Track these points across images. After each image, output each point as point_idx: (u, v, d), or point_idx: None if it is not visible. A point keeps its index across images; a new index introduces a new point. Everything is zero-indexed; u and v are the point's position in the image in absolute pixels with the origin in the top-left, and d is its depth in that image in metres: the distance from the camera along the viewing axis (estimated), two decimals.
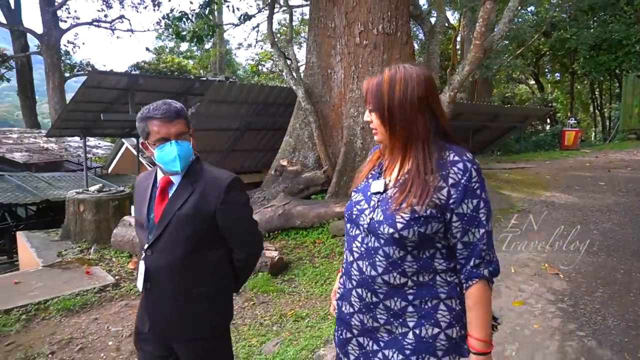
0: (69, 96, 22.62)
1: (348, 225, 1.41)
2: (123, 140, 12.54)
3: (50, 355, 3.26)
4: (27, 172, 13.68)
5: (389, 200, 1.29)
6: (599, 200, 7.11)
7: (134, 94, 7.51)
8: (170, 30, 24.10)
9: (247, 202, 1.83)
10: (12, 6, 22.26)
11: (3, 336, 3.55)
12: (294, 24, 21.56)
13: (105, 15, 23.45)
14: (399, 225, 1.23)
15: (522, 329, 3.16)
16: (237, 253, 1.81)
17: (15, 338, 3.54)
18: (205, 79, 8.75)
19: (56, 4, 22.02)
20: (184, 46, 28.48)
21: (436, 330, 1.28)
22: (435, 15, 11.15)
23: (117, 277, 4.87)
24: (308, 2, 8.42)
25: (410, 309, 1.29)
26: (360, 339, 1.37)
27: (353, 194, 1.44)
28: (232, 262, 1.82)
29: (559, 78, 29.64)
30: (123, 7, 28.28)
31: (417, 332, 1.28)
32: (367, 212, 1.33)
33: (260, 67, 26.30)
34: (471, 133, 15.39)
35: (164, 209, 1.70)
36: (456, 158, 1.26)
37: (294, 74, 7.34)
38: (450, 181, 1.23)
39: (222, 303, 1.81)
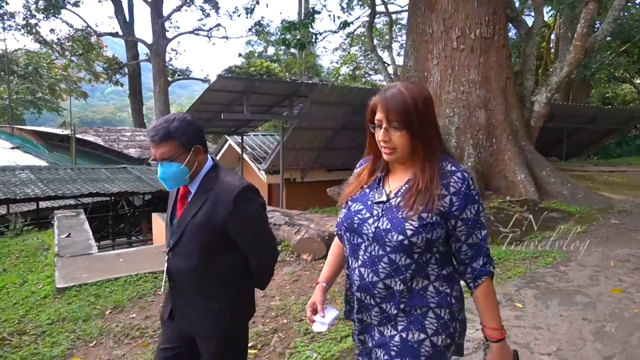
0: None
1: (348, 234, 1.41)
2: (227, 137, 13.90)
3: None
4: (144, 165, 15.59)
5: (395, 209, 1.32)
6: None
7: (249, 95, 8.51)
8: (260, 36, 25.83)
9: (257, 210, 1.78)
10: (127, 19, 25.18)
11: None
12: (382, 27, 22.05)
13: (203, 24, 25.69)
14: (409, 232, 1.27)
15: (622, 311, 3.43)
16: (250, 259, 1.80)
17: None
18: (309, 82, 9.55)
19: (164, 16, 24.46)
20: (271, 51, 30.08)
21: (422, 335, 1.32)
22: (528, 14, 11.06)
23: None
24: (406, 9, 8.90)
25: (401, 314, 1.34)
26: (361, 337, 1.46)
27: (350, 203, 1.43)
28: (248, 265, 1.83)
29: None
30: (219, 16, 30.75)
31: (404, 335, 1.33)
32: (370, 221, 1.34)
33: (351, 71, 26.93)
34: (566, 135, 14.79)
35: (180, 216, 1.74)
36: (454, 168, 1.34)
37: (392, 77, 7.86)
38: (452, 190, 1.31)
39: (239, 305, 1.82)
